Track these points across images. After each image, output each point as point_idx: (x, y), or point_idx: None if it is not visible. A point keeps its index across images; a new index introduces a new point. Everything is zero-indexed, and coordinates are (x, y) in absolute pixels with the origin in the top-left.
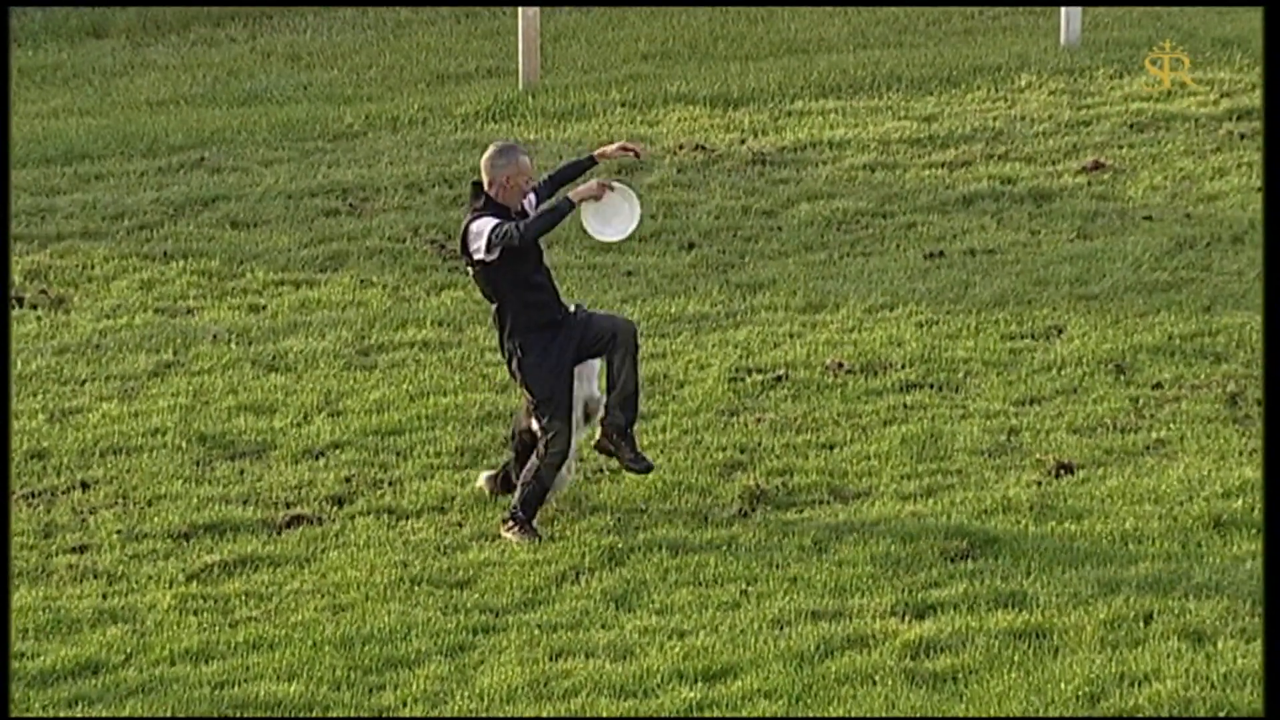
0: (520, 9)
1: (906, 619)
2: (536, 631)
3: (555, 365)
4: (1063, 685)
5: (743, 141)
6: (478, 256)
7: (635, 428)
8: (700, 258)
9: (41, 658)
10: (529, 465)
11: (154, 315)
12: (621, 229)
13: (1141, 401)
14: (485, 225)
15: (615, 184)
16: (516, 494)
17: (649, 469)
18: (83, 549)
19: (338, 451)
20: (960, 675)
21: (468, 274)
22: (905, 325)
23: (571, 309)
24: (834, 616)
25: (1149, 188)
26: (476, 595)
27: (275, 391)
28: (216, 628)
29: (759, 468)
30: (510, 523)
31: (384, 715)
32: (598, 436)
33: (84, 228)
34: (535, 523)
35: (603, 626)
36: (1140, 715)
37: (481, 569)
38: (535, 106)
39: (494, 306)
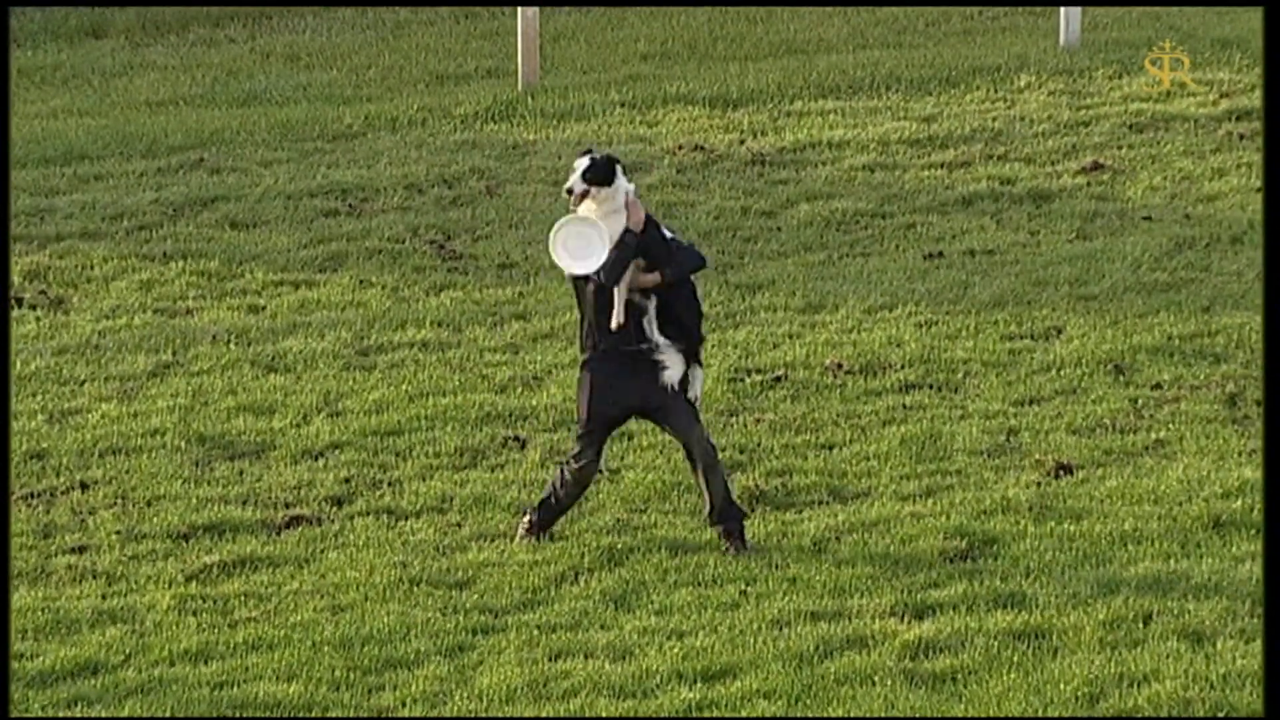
0: (520, 9)
1: (906, 619)
2: (536, 632)
3: (612, 400)
4: (1062, 686)
5: (742, 142)
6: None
7: (746, 521)
8: None
9: (41, 658)
10: (553, 479)
11: (153, 316)
12: (594, 262)
13: (1141, 402)
14: None
15: (582, 217)
16: (542, 495)
17: (744, 552)
18: (82, 549)
19: (337, 452)
20: (959, 676)
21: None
22: (904, 326)
23: (669, 367)
24: (833, 617)
25: (1148, 188)
26: (476, 596)
27: (274, 392)
28: (216, 628)
29: (758, 468)
30: (527, 521)
31: (383, 716)
32: (718, 533)
33: (83, 228)
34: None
35: (602, 627)
36: (1139, 716)
37: (481, 569)
38: (535, 107)
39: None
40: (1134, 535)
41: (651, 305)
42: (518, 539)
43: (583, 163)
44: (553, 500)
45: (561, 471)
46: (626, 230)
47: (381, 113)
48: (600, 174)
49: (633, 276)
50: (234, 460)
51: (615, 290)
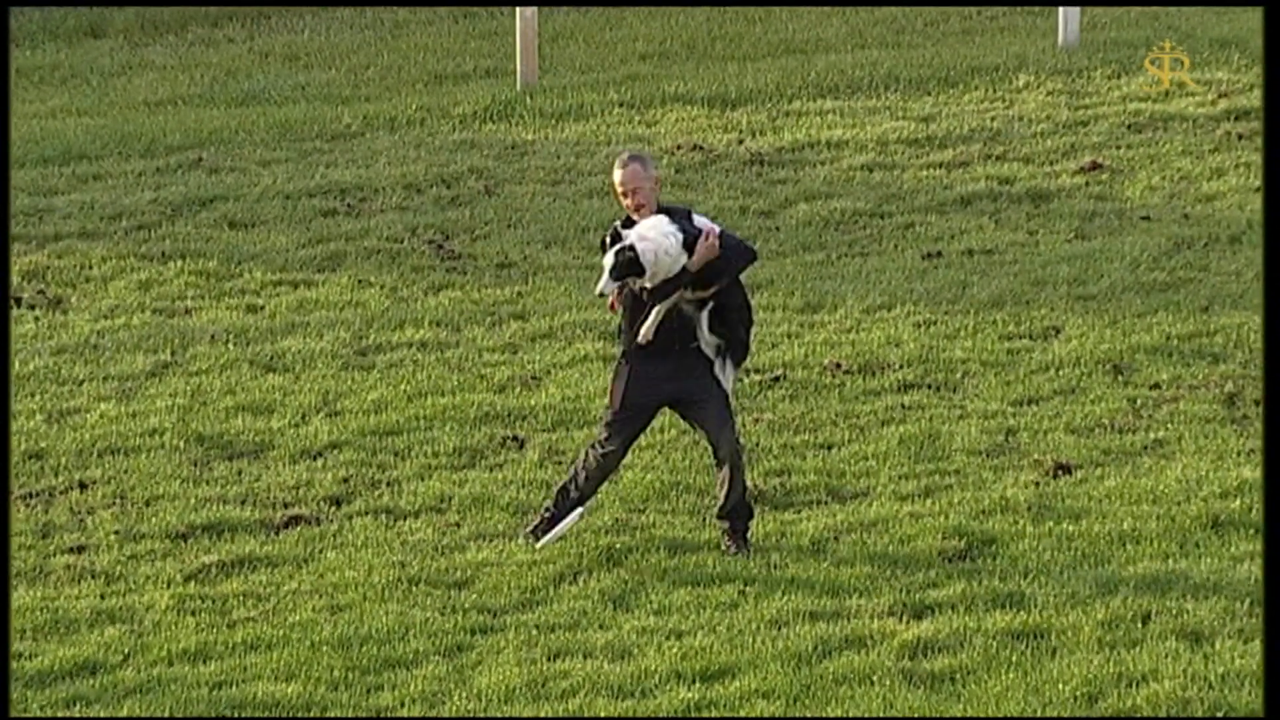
0: (518, 9)
1: (904, 619)
2: (534, 632)
3: (647, 390)
4: (1060, 686)
5: (741, 142)
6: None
7: (752, 524)
8: None
9: (39, 658)
10: (574, 464)
11: (152, 315)
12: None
13: (1139, 402)
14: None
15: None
16: (561, 483)
17: (743, 553)
18: (80, 549)
19: (335, 452)
20: (958, 675)
21: None
22: (903, 325)
23: (713, 359)
24: (832, 617)
25: (1147, 188)
26: (474, 595)
27: (273, 392)
28: (214, 628)
29: (757, 468)
30: (539, 520)
31: (382, 715)
32: (722, 530)
33: (82, 228)
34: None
35: (601, 627)
36: (1138, 715)
37: (479, 569)
38: (533, 107)
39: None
40: (1132, 535)
41: (704, 315)
42: (522, 536)
43: (608, 261)
44: (572, 488)
45: (586, 455)
46: (684, 269)
47: (380, 112)
48: (627, 270)
49: (678, 296)
50: (232, 460)
51: (654, 309)
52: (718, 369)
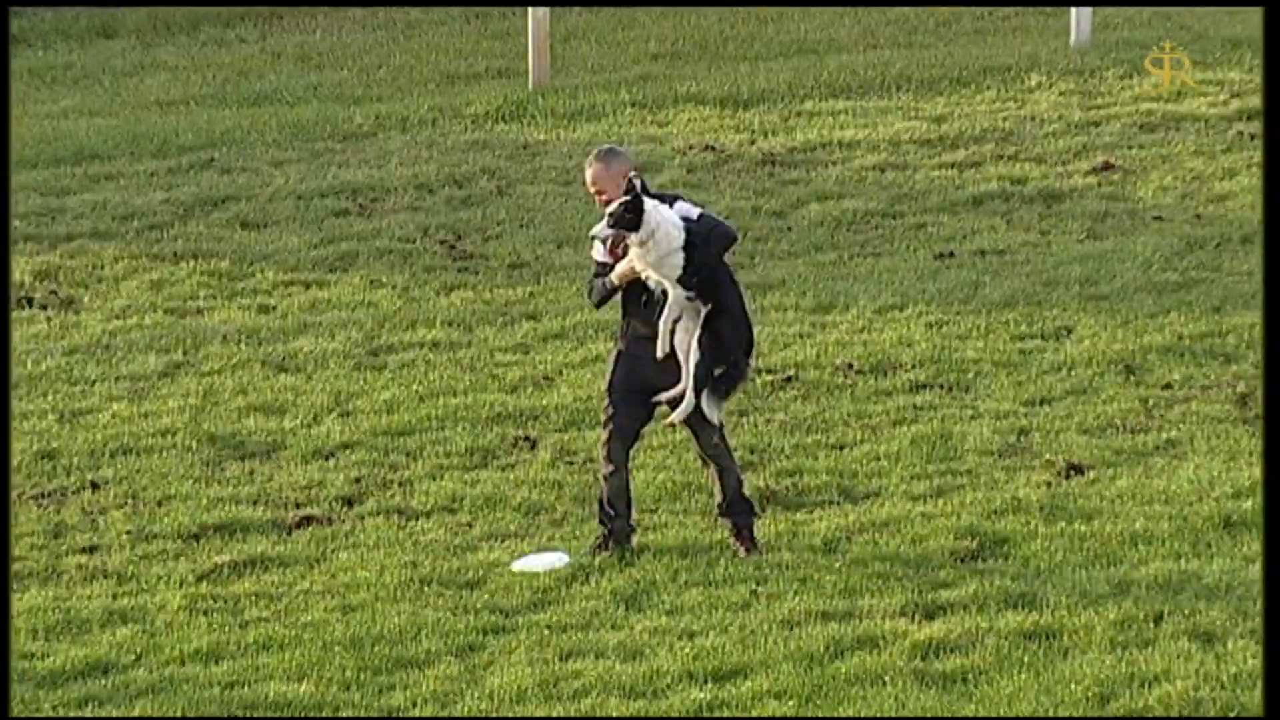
0: (530, 9)
1: (916, 619)
2: (546, 632)
3: (633, 374)
4: (1073, 686)
5: (752, 142)
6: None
7: (756, 521)
8: None
9: (51, 658)
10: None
11: (164, 316)
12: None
13: (1151, 402)
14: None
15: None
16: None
17: (754, 553)
18: (92, 549)
19: (348, 452)
20: (970, 676)
21: None
22: (915, 326)
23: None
24: (844, 617)
25: (1159, 188)
26: (486, 596)
27: (285, 392)
28: (226, 628)
29: (769, 468)
30: (598, 540)
31: (394, 716)
32: (729, 530)
33: (94, 228)
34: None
35: (612, 627)
36: (1150, 716)
37: (491, 569)
38: (545, 107)
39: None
40: (1145, 535)
41: (699, 324)
42: (594, 555)
43: (612, 208)
44: (605, 501)
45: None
46: (683, 271)
47: (392, 113)
48: (624, 221)
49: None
50: (245, 460)
51: (661, 321)
52: (703, 400)
